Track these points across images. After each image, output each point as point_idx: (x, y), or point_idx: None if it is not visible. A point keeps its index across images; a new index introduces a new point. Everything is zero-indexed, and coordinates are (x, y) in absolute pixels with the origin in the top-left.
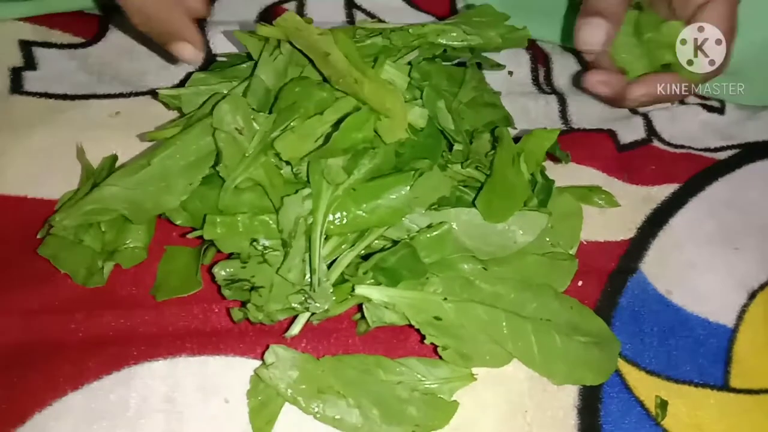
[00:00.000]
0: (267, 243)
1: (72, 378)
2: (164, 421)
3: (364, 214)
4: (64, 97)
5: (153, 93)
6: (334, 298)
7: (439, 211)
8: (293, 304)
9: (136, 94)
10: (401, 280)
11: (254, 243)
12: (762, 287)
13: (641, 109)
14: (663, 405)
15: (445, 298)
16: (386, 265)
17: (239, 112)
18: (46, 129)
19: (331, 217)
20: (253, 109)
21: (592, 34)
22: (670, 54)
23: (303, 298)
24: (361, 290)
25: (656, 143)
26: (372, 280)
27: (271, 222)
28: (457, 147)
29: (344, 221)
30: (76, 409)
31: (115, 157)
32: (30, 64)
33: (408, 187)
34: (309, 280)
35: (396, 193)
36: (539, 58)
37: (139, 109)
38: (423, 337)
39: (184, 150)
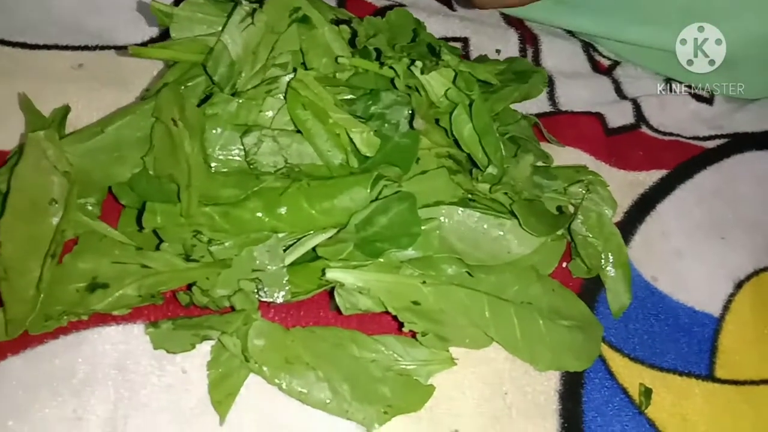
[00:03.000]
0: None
1: (12, 341)
2: (113, 389)
3: (316, 214)
4: (24, 45)
5: (119, 48)
6: (288, 287)
7: (430, 206)
8: (243, 289)
9: (102, 47)
10: (383, 252)
11: (198, 235)
12: (748, 278)
13: (630, 95)
14: (647, 393)
15: (424, 282)
16: (374, 229)
17: (176, 105)
18: (3, 78)
19: (282, 211)
20: (212, 81)
21: None
22: None
23: (255, 286)
24: (333, 274)
25: (644, 129)
26: (344, 258)
27: (216, 216)
28: (490, 170)
29: (294, 219)
30: (14, 374)
31: (67, 108)
32: None
33: (367, 190)
34: (261, 263)
35: (354, 194)
36: (528, 39)
37: (104, 62)
38: (402, 324)
39: (141, 121)
